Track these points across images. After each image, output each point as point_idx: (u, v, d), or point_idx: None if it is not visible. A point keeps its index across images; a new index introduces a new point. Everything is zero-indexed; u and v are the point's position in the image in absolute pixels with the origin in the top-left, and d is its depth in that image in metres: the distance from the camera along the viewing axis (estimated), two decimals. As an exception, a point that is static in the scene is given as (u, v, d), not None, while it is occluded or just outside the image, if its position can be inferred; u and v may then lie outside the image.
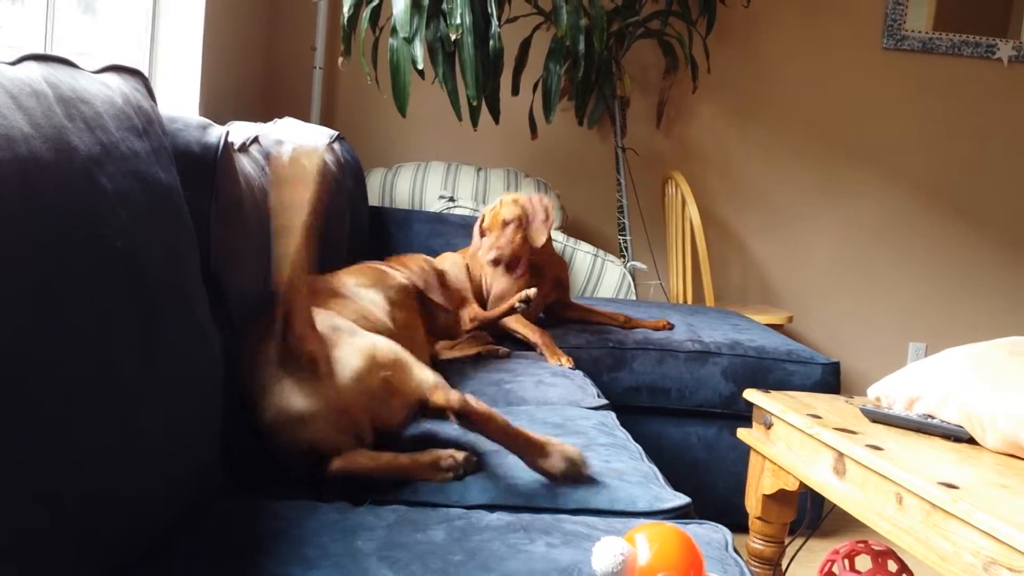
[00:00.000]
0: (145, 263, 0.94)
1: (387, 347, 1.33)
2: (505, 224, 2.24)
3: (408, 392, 1.30)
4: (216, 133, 1.27)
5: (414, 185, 3.26)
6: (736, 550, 1.11)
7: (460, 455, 1.28)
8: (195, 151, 1.23)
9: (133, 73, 1.13)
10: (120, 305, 0.88)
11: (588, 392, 1.93)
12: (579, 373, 2.12)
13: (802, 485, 1.61)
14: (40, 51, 0.92)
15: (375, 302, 1.68)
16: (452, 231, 2.96)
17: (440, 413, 1.29)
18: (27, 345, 0.73)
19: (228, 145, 1.29)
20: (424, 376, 1.32)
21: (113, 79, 1.06)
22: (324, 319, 1.32)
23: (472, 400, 1.26)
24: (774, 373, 2.39)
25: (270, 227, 1.13)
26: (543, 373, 2.01)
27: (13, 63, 0.89)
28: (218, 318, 1.27)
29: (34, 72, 0.88)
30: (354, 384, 1.25)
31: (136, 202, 0.95)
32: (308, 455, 1.23)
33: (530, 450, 1.26)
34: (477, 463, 1.30)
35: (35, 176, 0.78)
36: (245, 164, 1.47)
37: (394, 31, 2.71)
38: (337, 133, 2.65)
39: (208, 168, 1.24)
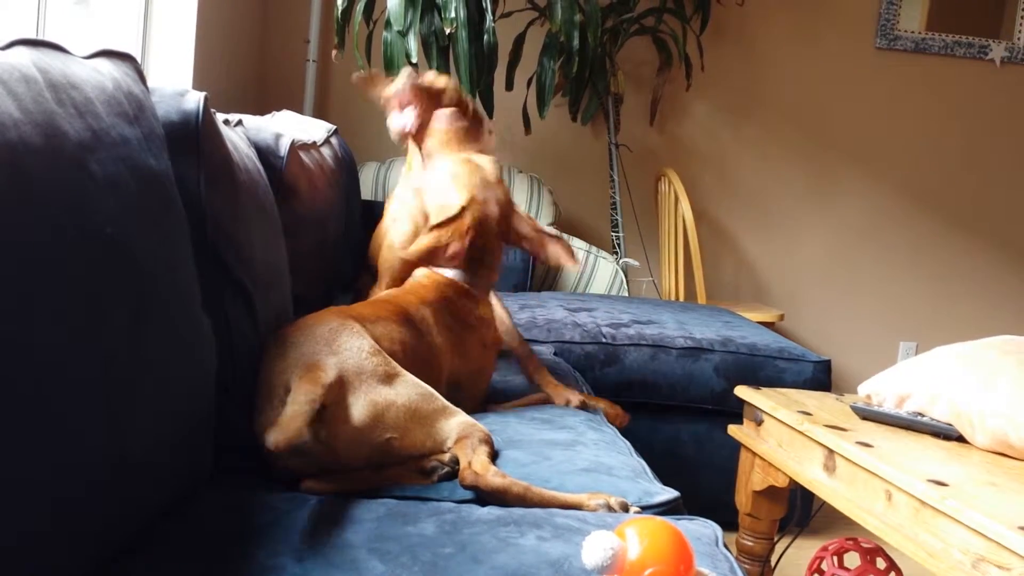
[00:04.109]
0: (135, 250, 0.93)
1: (405, 404, 1.25)
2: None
3: (416, 452, 1.26)
4: (194, 98, 1.24)
5: (407, 179, 3.25)
6: (726, 546, 1.11)
7: (445, 456, 1.25)
8: (175, 120, 1.20)
9: (124, 58, 1.11)
10: (109, 293, 0.88)
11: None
12: (567, 367, 2.12)
13: (792, 482, 1.61)
14: (31, 36, 0.91)
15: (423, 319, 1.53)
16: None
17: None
18: (14, 332, 0.73)
19: (208, 109, 1.26)
20: (447, 429, 1.27)
21: (104, 64, 1.05)
22: (354, 353, 1.26)
23: (489, 475, 1.19)
24: (765, 370, 2.39)
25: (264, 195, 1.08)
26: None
27: (3, 48, 0.88)
28: (218, 297, 1.25)
29: (24, 57, 0.87)
30: (356, 435, 1.21)
31: (127, 189, 0.94)
32: (286, 472, 1.21)
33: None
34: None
35: (25, 162, 0.78)
36: (230, 134, 1.44)
37: (388, 24, 2.71)
38: (334, 127, 2.64)
39: (191, 134, 1.21)
